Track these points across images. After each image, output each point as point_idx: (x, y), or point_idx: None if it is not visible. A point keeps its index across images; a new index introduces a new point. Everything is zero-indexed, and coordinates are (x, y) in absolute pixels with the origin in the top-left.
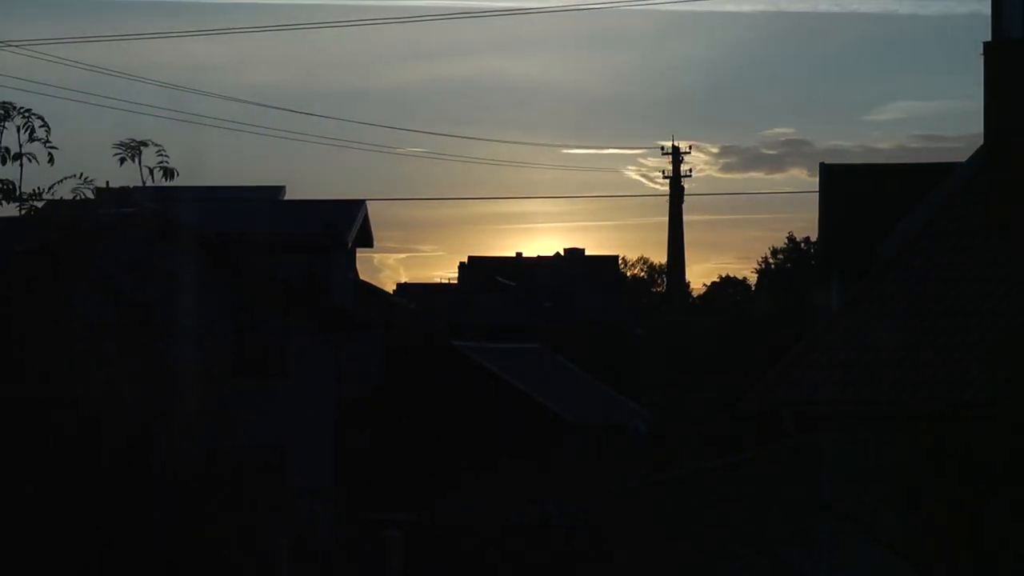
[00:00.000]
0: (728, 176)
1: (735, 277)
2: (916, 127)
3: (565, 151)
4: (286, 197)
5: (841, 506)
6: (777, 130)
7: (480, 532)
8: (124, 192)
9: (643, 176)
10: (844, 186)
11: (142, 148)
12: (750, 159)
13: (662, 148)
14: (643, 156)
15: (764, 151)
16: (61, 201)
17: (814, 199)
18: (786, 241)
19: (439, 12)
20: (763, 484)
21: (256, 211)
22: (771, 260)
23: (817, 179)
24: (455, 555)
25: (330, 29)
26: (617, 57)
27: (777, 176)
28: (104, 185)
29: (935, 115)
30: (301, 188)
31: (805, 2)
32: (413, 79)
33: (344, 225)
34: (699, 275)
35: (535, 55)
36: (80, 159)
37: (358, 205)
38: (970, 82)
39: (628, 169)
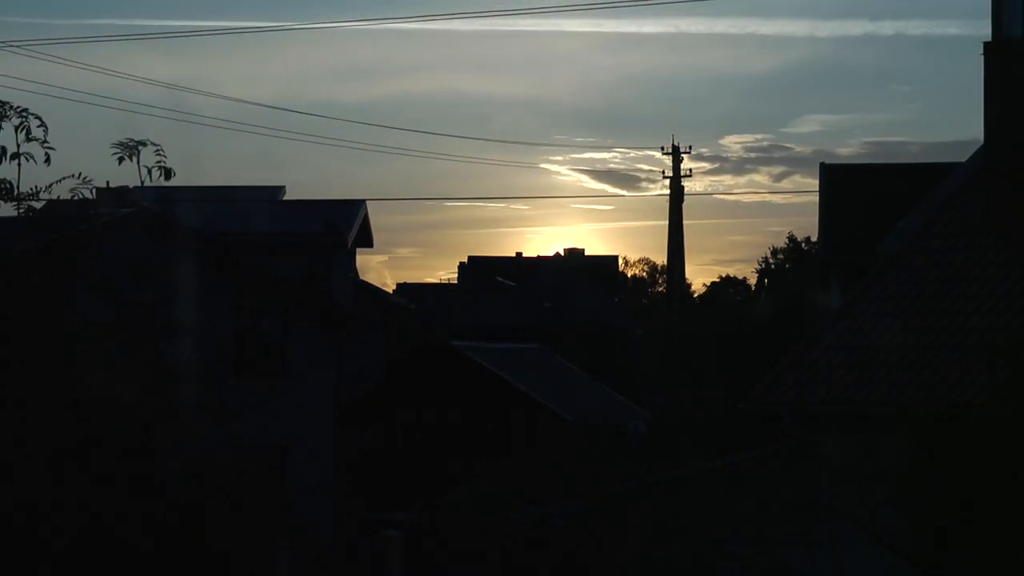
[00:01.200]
0: (694, 182)
1: (735, 277)
2: (830, 139)
3: (527, 156)
4: (286, 197)
5: (841, 506)
6: (732, 138)
7: (480, 532)
8: (123, 192)
9: (598, 181)
10: (844, 186)
11: (140, 148)
12: (715, 165)
13: (662, 148)
14: (602, 161)
15: (725, 156)
16: (61, 201)
17: (794, 202)
18: (786, 241)
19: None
20: (763, 484)
21: (256, 211)
22: (771, 260)
23: (783, 183)
24: (455, 555)
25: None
26: (563, 73)
27: (741, 180)
28: (104, 185)
29: (846, 127)
30: (295, 188)
31: (704, 24)
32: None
33: (344, 225)
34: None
35: (486, 73)
36: (81, 159)
37: (358, 205)
38: (882, 97)
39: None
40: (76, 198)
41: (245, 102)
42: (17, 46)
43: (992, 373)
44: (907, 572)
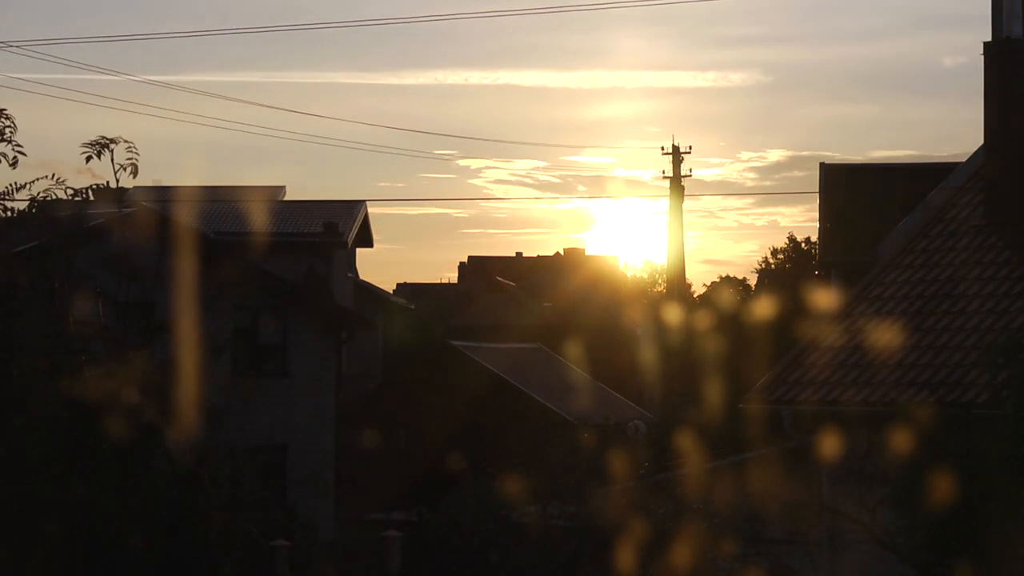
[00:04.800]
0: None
1: (735, 277)
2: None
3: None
4: (286, 197)
5: (841, 506)
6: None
7: (480, 532)
8: (123, 192)
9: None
10: (844, 186)
11: (112, 146)
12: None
13: (662, 148)
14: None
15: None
16: (60, 201)
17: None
18: (786, 241)
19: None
20: (763, 484)
21: (256, 211)
22: (771, 260)
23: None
24: (454, 555)
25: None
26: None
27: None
28: (104, 185)
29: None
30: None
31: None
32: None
33: (344, 225)
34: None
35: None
36: (81, 158)
37: (358, 205)
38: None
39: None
40: (50, 199)
41: (246, 102)
42: (18, 46)
43: (992, 373)
44: (907, 572)
